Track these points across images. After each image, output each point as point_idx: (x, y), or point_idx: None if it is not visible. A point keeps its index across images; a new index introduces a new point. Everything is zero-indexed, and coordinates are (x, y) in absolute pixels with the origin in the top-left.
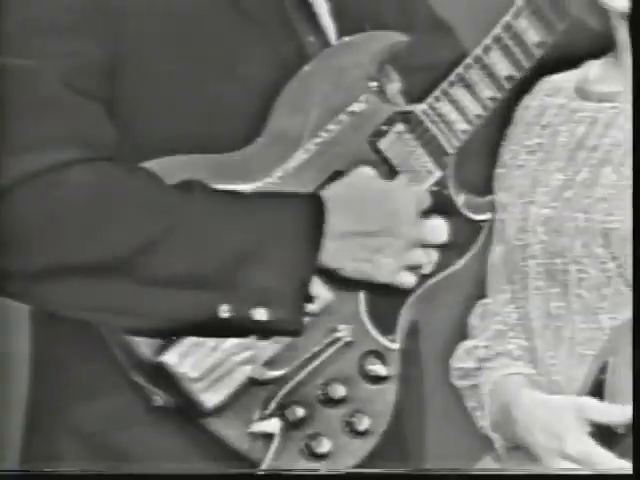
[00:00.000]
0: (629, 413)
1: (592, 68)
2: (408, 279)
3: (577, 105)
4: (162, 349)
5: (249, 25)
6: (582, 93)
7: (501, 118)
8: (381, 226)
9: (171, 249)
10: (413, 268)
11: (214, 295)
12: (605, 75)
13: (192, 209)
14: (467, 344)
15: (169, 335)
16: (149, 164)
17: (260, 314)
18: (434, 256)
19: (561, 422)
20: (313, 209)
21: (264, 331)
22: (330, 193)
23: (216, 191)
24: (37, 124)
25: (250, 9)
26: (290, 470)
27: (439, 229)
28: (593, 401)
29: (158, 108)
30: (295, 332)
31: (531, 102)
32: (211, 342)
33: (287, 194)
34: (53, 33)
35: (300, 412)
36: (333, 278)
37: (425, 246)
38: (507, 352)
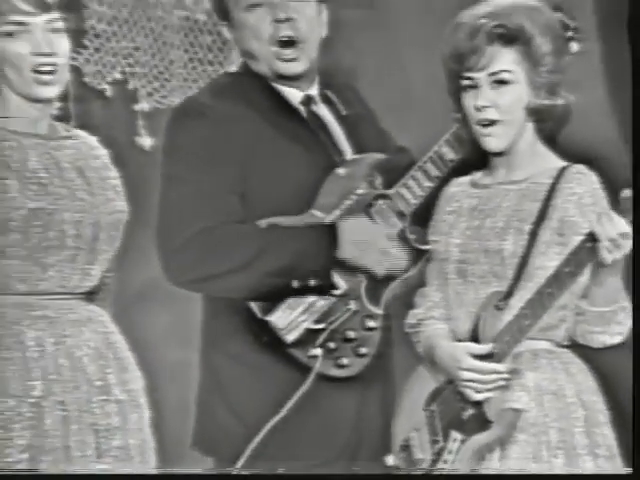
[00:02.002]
0: (489, 347)
1: (477, 174)
2: (382, 270)
3: (471, 191)
4: (266, 312)
5: (303, 151)
6: (474, 185)
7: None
8: (365, 241)
9: (267, 258)
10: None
11: (289, 278)
12: (483, 177)
13: (272, 238)
14: (414, 311)
15: (269, 300)
16: (262, 222)
17: (312, 282)
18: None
19: (458, 353)
20: (333, 230)
21: (314, 290)
22: (342, 223)
23: (281, 227)
24: (199, 209)
25: (310, 145)
26: (280, 472)
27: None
28: (473, 344)
29: (264, 194)
30: (329, 289)
31: (447, 190)
32: (288, 312)
33: (319, 224)
34: (209, 162)
35: (331, 345)
36: (344, 266)
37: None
38: (433, 316)
